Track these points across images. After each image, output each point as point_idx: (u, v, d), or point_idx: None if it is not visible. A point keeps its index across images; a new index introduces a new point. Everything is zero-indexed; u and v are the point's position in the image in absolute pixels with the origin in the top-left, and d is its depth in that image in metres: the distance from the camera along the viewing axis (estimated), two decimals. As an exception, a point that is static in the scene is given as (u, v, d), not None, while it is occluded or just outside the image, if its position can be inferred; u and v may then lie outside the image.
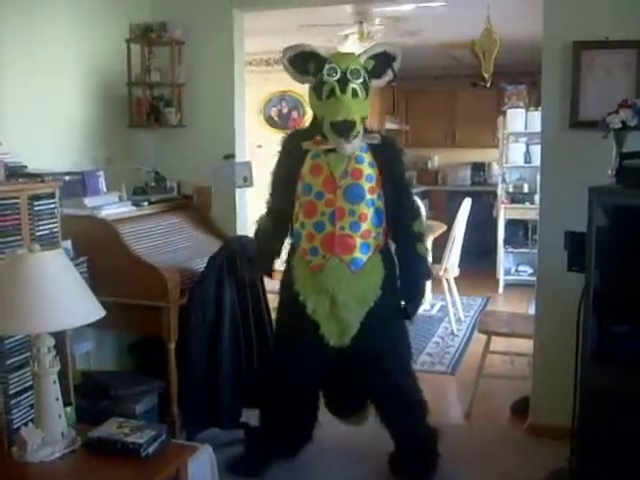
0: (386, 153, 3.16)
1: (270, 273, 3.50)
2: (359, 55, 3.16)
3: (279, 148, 3.31)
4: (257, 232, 3.42)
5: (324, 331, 3.10)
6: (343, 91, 3.02)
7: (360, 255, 3.09)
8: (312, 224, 3.11)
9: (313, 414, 3.47)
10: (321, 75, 3.06)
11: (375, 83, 3.18)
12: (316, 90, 3.11)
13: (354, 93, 3.04)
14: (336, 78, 3.03)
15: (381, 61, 3.14)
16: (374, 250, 3.13)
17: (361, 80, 3.07)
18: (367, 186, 3.09)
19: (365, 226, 3.09)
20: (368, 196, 3.09)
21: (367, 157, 3.12)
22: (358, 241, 3.09)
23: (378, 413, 3.32)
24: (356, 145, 3.05)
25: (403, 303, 3.26)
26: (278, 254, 3.38)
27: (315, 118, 3.24)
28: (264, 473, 3.34)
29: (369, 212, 3.09)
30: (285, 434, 3.38)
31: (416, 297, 3.27)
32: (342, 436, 3.66)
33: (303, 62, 3.13)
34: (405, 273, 3.24)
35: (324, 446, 3.54)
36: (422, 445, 3.31)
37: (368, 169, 3.10)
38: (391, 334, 3.22)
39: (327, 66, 3.05)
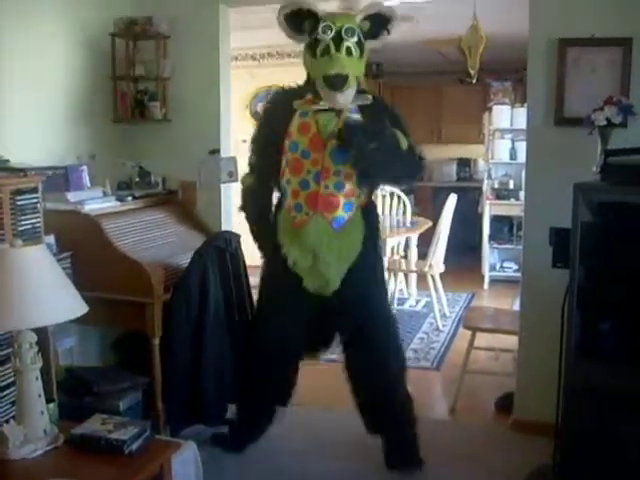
0: (378, 110, 3.18)
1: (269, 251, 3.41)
2: (354, 15, 3.13)
3: (266, 104, 3.36)
4: (243, 191, 3.46)
5: (306, 283, 3.20)
6: (337, 49, 3.03)
7: (342, 213, 3.15)
8: (297, 181, 3.16)
9: (296, 369, 3.52)
10: (316, 33, 3.07)
11: (371, 44, 3.17)
12: (311, 48, 3.12)
13: (348, 51, 3.04)
14: (331, 36, 3.04)
15: (376, 22, 3.13)
16: (356, 208, 3.19)
17: (356, 39, 3.07)
18: None
19: (349, 185, 3.15)
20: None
21: (357, 118, 3.13)
22: (342, 200, 3.14)
23: (350, 363, 3.35)
24: (348, 98, 3.07)
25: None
26: (269, 209, 3.40)
27: (308, 79, 3.24)
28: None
29: (353, 172, 3.12)
30: (271, 392, 3.46)
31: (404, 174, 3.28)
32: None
33: (298, 20, 3.12)
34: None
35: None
36: (392, 407, 3.33)
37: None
38: (371, 292, 3.27)
39: (322, 24, 3.05)
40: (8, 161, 2.91)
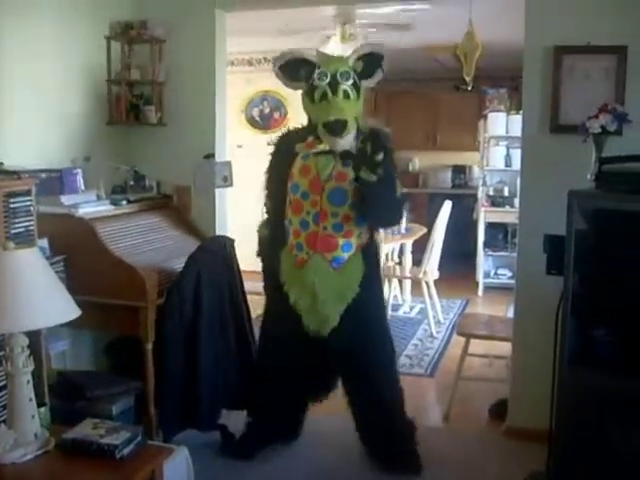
0: (374, 140, 3.16)
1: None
2: (347, 57, 3.22)
3: (272, 147, 3.44)
4: (260, 240, 3.54)
5: (306, 322, 3.26)
6: (334, 93, 3.14)
7: (342, 253, 3.21)
8: (298, 221, 3.24)
9: (302, 403, 3.59)
10: (312, 80, 3.18)
11: (366, 83, 3.27)
12: (308, 94, 3.23)
13: (345, 94, 3.16)
14: (327, 81, 3.15)
15: (369, 62, 3.23)
16: (356, 248, 3.24)
17: (351, 82, 3.18)
18: (351, 189, 3.16)
19: (347, 227, 3.20)
20: (352, 199, 3.16)
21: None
22: (340, 241, 3.20)
23: (350, 407, 3.43)
24: (349, 141, 3.14)
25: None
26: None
27: (310, 121, 3.33)
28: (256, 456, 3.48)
29: (352, 214, 3.18)
30: (278, 420, 3.51)
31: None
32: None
33: (294, 68, 3.22)
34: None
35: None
36: (393, 441, 3.39)
37: (353, 172, 3.15)
38: (369, 331, 3.32)
39: (317, 71, 3.17)
40: (2, 164, 2.91)
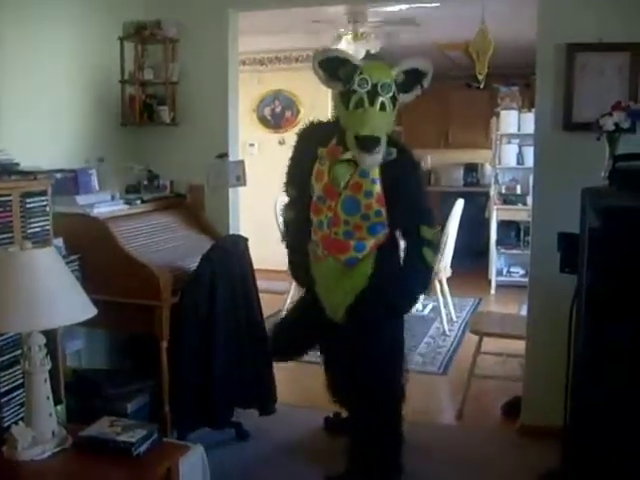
0: (400, 169, 3.15)
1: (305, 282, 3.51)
2: (391, 68, 3.13)
3: (297, 138, 3.41)
4: (285, 224, 3.61)
5: (322, 307, 3.31)
6: (372, 104, 3.02)
7: (355, 254, 3.18)
8: (317, 221, 3.24)
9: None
10: (351, 84, 3.05)
11: (403, 98, 3.17)
12: (343, 97, 3.11)
13: (382, 107, 3.05)
14: (366, 90, 3.03)
15: (411, 76, 3.15)
16: (371, 247, 3.18)
17: (390, 95, 3.07)
18: (364, 202, 3.10)
19: (359, 234, 3.15)
20: (364, 211, 3.10)
21: (373, 173, 3.10)
22: (352, 243, 3.16)
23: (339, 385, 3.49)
24: (377, 159, 3.07)
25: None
26: (308, 239, 3.38)
27: (337, 121, 3.23)
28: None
29: (363, 224, 3.13)
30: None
31: (400, 304, 3.28)
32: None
33: (333, 67, 3.10)
34: (402, 279, 3.24)
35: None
36: (375, 450, 3.26)
37: (369, 185, 3.09)
38: (376, 322, 3.24)
39: (358, 76, 3.04)
40: (18, 164, 2.93)
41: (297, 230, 3.44)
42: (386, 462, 3.26)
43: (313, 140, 3.26)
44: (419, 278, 3.28)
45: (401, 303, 3.28)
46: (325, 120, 3.47)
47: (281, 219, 3.68)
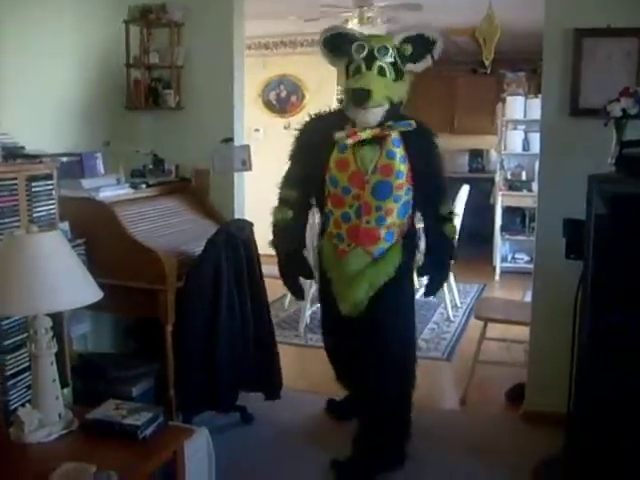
0: (420, 143, 3.14)
1: (309, 274, 3.50)
2: (391, 36, 3.11)
3: (300, 134, 3.28)
4: (275, 227, 3.37)
5: (341, 307, 3.24)
6: (369, 68, 3.00)
7: (384, 244, 3.16)
8: (340, 214, 3.16)
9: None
10: (350, 55, 3.05)
11: (411, 67, 3.12)
12: (347, 70, 3.11)
13: (380, 71, 3.01)
14: (363, 55, 3.01)
15: (419, 45, 3.07)
16: (397, 237, 3.19)
17: (390, 60, 3.03)
18: (396, 183, 3.08)
19: (390, 219, 3.14)
20: (396, 192, 3.09)
21: (399, 151, 3.08)
22: (383, 232, 3.15)
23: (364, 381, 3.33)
24: (375, 116, 3.01)
25: (425, 281, 3.43)
26: (304, 244, 3.42)
27: (341, 103, 3.23)
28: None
29: (395, 207, 3.12)
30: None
31: (439, 278, 3.41)
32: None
33: (337, 44, 3.10)
34: (431, 254, 3.35)
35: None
36: (382, 437, 3.26)
37: (399, 165, 3.07)
38: (395, 309, 3.25)
39: (355, 43, 3.04)
40: (24, 148, 2.93)
41: (292, 234, 3.35)
42: (392, 450, 3.26)
43: (322, 132, 3.14)
44: (447, 255, 3.38)
45: (435, 283, 3.40)
46: (327, 111, 3.36)
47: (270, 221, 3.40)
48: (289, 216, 3.32)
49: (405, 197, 3.13)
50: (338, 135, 3.06)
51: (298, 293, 3.54)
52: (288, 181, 3.32)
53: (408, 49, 3.07)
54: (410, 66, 3.11)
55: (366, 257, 3.15)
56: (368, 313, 3.20)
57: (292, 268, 3.43)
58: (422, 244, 3.49)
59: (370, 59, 2.99)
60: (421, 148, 3.14)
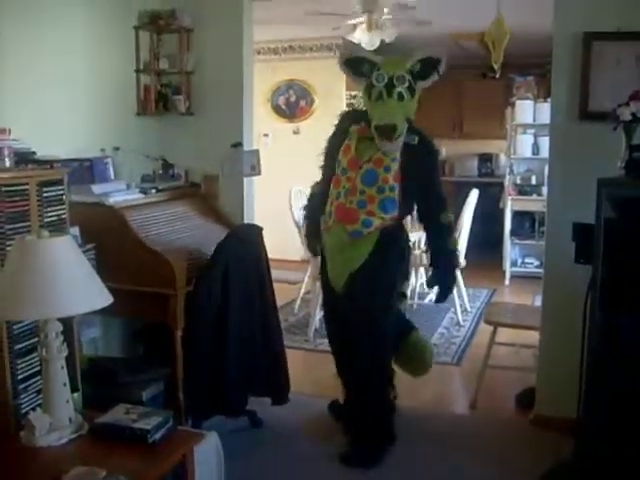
0: (419, 156, 3.43)
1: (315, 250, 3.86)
2: (406, 60, 3.39)
3: (337, 120, 3.73)
4: (310, 196, 3.93)
5: (329, 275, 3.59)
6: (389, 95, 3.33)
7: (361, 228, 3.40)
8: (335, 193, 3.51)
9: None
10: (371, 80, 3.38)
11: (421, 84, 3.43)
12: (367, 90, 3.43)
13: (399, 97, 3.35)
14: (383, 83, 3.34)
15: (427, 64, 3.41)
16: (376, 227, 3.40)
17: (406, 85, 3.36)
18: (382, 175, 3.38)
19: (370, 207, 3.39)
20: (380, 183, 3.38)
21: (394, 154, 3.39)
22: (362, 216, 3.39)
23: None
24: (398, 145, 3.36)
25: (435, 291, 3.72)
26: (321, 211, 3.68)
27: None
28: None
29: (377, 197, 3.38)
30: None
31: (446, 288, 3.67)
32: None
33: (357, 64, 3.44)
34: (437, 267, 3.63)
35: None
36: (362, 420, 3.50)
37: (389, 162, 3.39)
38: (369, 293, 3.44)
39: (376, 72, 3.37)
40: (35, 153, 2.95)
41: (317, 202, 3.73)
42: (378, 429, 3.49)
43: (348, 121, 3.60)
44: (452, 266, 3.69)
45: (443, 293, 3.67)
46: (361, 110, 3.71)
47: (307, 193, 4.01)
48: (317, 189, 3.79)
49: (389, 192, 3.38)
50: (352, 128, 3.51)
51: (314, 250, 3.93)
52: (323, 158, 3.73)
53: (417, 67, 3.40)
54: (420, 83, 3.43)
55: (343, 234, 3.43)
56: (346, 292, 3.47)
57: (310, 234, 3.91)
58: (425, 258, 3.81)
59: (390, 87, 3.33)
60: (414, 157, 3.42)
